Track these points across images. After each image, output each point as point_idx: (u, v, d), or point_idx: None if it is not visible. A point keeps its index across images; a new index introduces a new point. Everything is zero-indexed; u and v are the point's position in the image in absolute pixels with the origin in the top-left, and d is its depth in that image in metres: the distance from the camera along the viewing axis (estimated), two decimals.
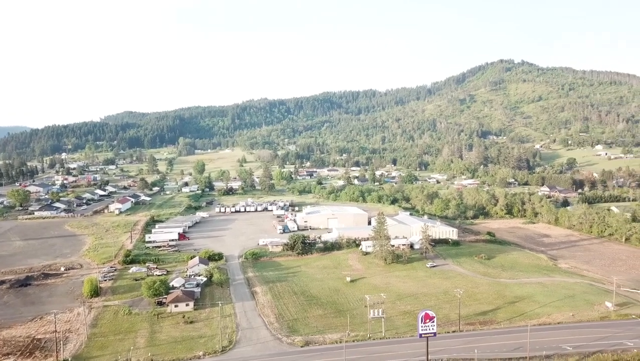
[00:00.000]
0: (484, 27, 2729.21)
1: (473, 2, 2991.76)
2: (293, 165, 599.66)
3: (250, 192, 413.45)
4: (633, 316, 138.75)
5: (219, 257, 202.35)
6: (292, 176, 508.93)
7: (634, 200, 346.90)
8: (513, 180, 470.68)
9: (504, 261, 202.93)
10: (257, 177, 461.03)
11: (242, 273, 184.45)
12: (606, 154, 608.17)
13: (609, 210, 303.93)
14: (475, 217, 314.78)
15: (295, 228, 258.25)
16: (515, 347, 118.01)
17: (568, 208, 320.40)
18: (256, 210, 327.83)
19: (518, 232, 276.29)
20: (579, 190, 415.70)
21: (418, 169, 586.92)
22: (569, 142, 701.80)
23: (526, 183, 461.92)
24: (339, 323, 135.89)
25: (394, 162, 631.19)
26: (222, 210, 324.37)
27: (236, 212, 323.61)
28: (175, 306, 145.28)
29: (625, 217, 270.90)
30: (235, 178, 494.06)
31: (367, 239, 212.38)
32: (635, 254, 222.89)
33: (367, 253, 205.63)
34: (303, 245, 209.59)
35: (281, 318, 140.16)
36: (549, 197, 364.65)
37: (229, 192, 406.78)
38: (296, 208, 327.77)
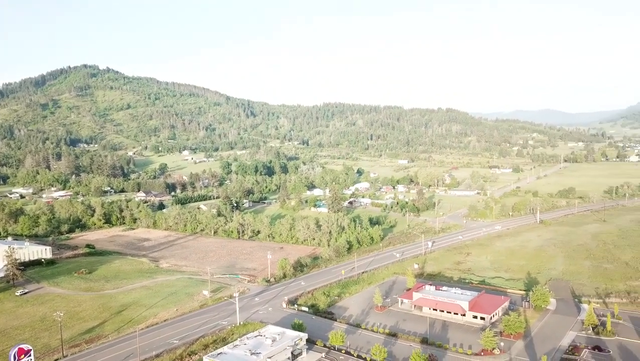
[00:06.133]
0: (67, 30, 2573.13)
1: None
2: None
3: None
4: (225, 298, 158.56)
5: None
6: None
7: (217, 197, 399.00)
8: (109, 188, 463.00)
9: (106, 272, 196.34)
10: None
11: None
12: (192, 158, 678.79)
13: (199, 208, 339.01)
14: (71, 230, 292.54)
15: None
16: (126, 355, 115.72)
17: (164, 210, 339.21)
18: None
19: (119, 240, 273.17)
20: (173, 193, 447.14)
21: None
22: (160, 148, 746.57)
23: (123, 191, 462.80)
24: None
25: None
26: None
27: None
28: None
29: (212, 213, 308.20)
30: None
31: None
32: (222, 244, 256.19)
33: None
34: None
35: None
36: (146, 201, 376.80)
37: None
38: None
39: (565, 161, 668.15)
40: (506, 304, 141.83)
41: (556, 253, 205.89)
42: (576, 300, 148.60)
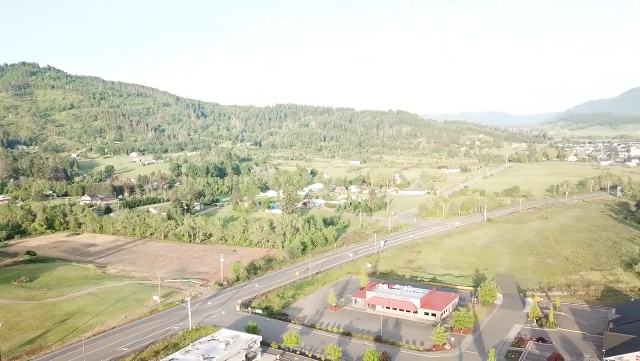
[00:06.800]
0: (4, 26, 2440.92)
1: None
2: None
3: None
4: (176, 303, 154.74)
5: None
6: None
7: (167, 200, 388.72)
8: (51, 191, 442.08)
9: (49, 279, 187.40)
10: None
11: None
12: (140, 160, 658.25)
13: (148, 211, 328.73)
14: (9, 237, 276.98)
15: None
16: None
17: (111, 214, 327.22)
18: None
19: (63, 246, 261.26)
20: (120, 196, 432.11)
21: None
22: (106, 150, 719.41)
23: (66, 194, 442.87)
24: None
25: None
26: None
27: None
28: None
29: (162, 217, 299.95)
30: None
31: None
32: (172, 248, 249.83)
33: None
34: None
35: None
36: (92, 205, 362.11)
37: None
38: None
39: (510, 161, 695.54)
40: (456, 300, 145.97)
41: (502, 250, 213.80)
42: (521, 294, 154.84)
